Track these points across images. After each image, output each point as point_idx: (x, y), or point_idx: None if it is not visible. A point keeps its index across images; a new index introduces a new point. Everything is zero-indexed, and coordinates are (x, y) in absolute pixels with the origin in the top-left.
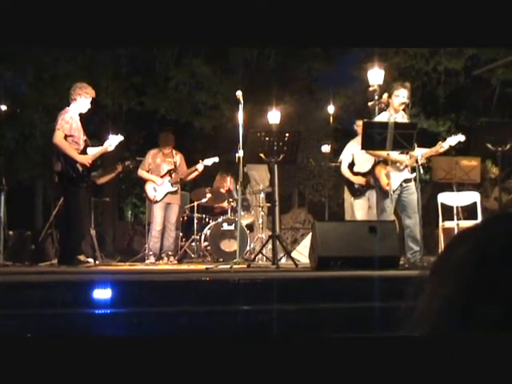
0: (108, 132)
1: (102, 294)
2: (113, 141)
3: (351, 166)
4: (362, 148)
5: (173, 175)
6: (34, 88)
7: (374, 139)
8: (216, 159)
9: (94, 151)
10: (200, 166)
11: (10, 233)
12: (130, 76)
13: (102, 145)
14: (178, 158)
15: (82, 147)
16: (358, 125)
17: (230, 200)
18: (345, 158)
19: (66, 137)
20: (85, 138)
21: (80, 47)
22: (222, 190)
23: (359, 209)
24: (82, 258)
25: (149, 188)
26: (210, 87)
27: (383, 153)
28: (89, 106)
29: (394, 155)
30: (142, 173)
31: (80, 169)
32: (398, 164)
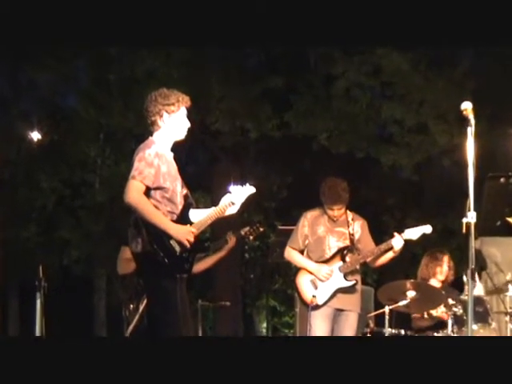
0: (226, 179)
1: None
2: (236, 196)
3: None
4: None
5: (347, 258)
6: (90, 100)
7: None
8: (427, 229)
9: (201, 216)
10: (397, 242)
11: None
12: (261, 78)
13: (214, 204)
14: (358, 225)
15: (179, 208)
16: None
17: (451, 303)
18: None
19: (148, 190)
20: (185, 191)
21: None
22: (435, 283)
23: None
24: None
25: (303, 281)
26: (409, 93)
27: None
28: (186, 126)
29: None
30: (290, 254)
31: (177, 249)
32: None
